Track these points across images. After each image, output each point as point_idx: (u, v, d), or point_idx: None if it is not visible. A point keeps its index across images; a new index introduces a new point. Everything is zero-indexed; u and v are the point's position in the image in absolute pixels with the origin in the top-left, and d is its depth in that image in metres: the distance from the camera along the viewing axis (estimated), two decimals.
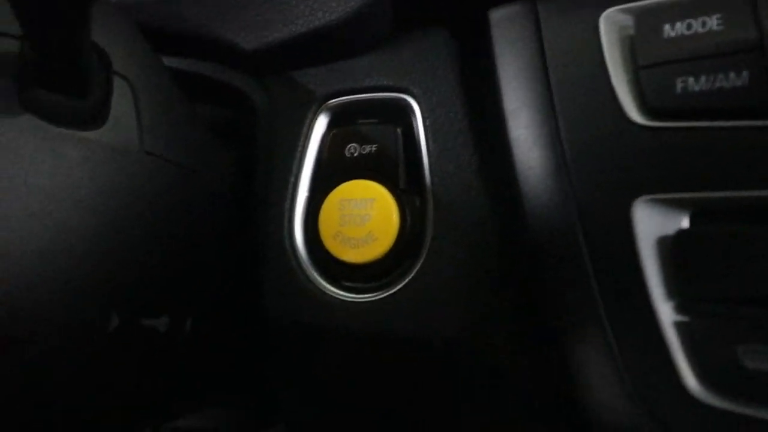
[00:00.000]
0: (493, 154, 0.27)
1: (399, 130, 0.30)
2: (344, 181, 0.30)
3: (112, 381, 0.28)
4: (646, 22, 0.23)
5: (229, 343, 0.35)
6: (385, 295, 0.29)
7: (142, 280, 0.28)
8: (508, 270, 0.27)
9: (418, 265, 0.29)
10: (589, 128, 0.24)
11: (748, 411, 0.20)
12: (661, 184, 0.22)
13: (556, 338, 0.24)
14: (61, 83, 0.25)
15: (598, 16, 0.25)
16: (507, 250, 0.27)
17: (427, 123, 0.29)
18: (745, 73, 0.21)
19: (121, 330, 0.27)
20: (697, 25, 0.23)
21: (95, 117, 0.27)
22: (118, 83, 0.28)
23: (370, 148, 0.30)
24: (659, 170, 0.22)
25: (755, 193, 0.21)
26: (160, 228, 0.29)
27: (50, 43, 0.24)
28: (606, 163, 0.23)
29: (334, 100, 0.32)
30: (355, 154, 0.31)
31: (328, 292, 0.30)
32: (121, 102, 0.28)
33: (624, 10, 0.25)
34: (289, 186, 0.32)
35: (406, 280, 0.29)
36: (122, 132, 0.27)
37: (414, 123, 0.30)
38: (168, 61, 0.35)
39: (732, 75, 0.21)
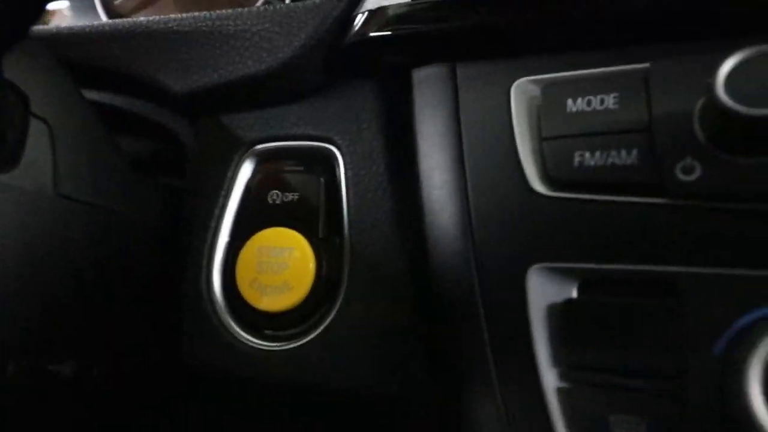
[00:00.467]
0: (407, 210, 0.28)
1: (322, 179, 0.31)
2: (265, 228, 0.30)
3: (13, 429, 0.27)
4: (552, 95, 0.25)
5: (144, 390, 0.34)
6: (300, 343, 0.29)
7: (46, 325, 0.28)
8: (417, 322, 0.27)
9: (333, 314, 0.29)
10: (495, 194, 0.24)
11: None
12: (554, 253, 0.23)
13: (455, 391, 0.24)
14: None
15: (511, 84, 0.26)
16: (417, 303, 0.27)
17: (349, 174, 0.30)
18: (634, 152, 0.22)
19: (21, 376, 0.27)
20: (596, 102, 0.24)
21: (9, 159, 0.26)
22: (35, 125, 0.27)
23: (292, 195, 0.31)
24: (554, 239, 0.23)
25: (639, 267, 0.22)
26: (69, 271, 0.29)
27: None
28: (507, 229, 0.24)
29: (260, 146, 0.32)
30: (278, 201, 0.31)
31: (243, 340, 0.30)
32: (37, 144, 0.27)
33: (533, 81, 0.26)
34: (210, 230, 0.32)
35: (321, 328, 0.29)
36: (36, 175, 0.27)
37: (337, 172, 0.31)
38: (98, 94, 0.35)
39: (623, 153, 0.23)
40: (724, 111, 0.19)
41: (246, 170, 0.32)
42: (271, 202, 0.31)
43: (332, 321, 0.29)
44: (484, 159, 0.25)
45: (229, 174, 0.32)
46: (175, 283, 0.32)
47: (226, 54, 0.31)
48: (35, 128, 0.27)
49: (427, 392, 0.27)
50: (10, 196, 0.26)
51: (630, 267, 0.22)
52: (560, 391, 0.22)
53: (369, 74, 0.31)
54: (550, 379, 0.22)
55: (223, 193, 0.32)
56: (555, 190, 0.24)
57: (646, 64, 0.23)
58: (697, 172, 0.21)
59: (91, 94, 0.34)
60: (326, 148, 0.31)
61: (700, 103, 0.21)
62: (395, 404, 0.28)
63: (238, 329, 0.30)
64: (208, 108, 0.33)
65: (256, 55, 0.31)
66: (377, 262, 0.29)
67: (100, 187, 0.30)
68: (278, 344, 0.30)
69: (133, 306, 0.32)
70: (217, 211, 0.32)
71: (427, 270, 0.26)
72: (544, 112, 0.24)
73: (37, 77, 0.28)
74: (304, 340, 0.29)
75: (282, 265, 0.30)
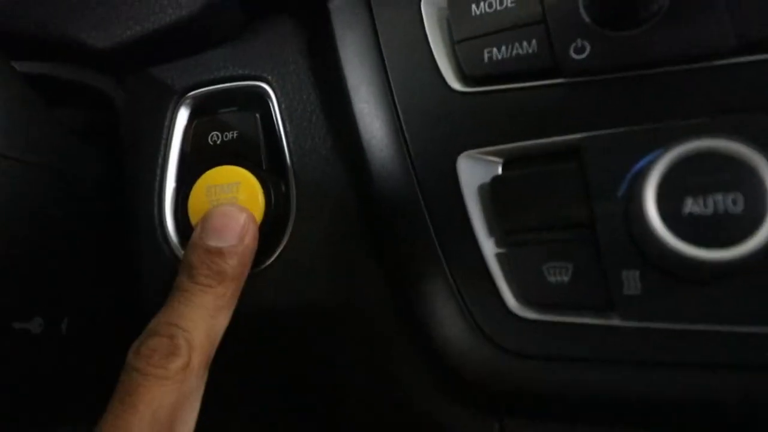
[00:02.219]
0: (342, 128, 0.30)
1: (258, 116, 0.32)
2: (209, 168, 0.32)
3: None
4: (457, 3, 0.27)
5: (112, 341, 0.35)
6: (257, 270, 0.31)
7: (7, 283, 0.28)
8: (367, 236, 0.30)
9: (286, 239, 0.31)
10: (418, 97, 0.27)
11: (555, 318, 0.24)
12: (477, 140, 0.26)
13: (408, 284, 0.27)
14: None
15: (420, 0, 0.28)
16: (364, 214, 0.30)
17: (283, 107, 0.32)
18: (534, 42, 0.25)
19: None
20: (496, 4, 0.27)
21: None
22: None
23: (231, 134, 0.32)
24: (475, 129, 0.26)
25: (549, 140, 0.25)
26: (17, 228, 0.29)
27: None
28: (433, 126, 0.27)
29: (193, 92, 0.33)
30: (218, 142, 0.32)
31: None
32: None
33: None
34: (156, 178, 0.33)
35: (276, 254, 0.31)
36: None
37: (271, 108, 0.32)
38: (19, 66, 0.35)
39: (524, 44, 0.26)
40: None
41: (182, 117, 0.33)
42: (212, 143, 0.32)
43: (286, 245, 0.31)
44: (405, 68, 0.28)
45: (167, 123, 0.33)
46: (129, 235, 0.33)
47: (145, 4, 0.32)
48: None
49: (384, 300, 0.30)
50: None
51: (542, 141, 0.25)
52: (499, 256, 0.25)
53: (288, 9, 0.32)
54: (488, 247, 0.25)
55: (162, 142, 0.33)
56: (471, 85, 0.27)
57: None
58: (587, 51, 0.24)
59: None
60: (257, 86, 0.33)
61: None
62: (356, 318, 0.30)
63: None
64: (135, 62, 0.34)
65: (175, 1, 0.32)
66: (320, 184, 0.31)
67: (39, 146, 0.30)
68: None
69: (88, 259, 0.33)
70: (160, 160, 0.33)
71: (366, 177, 0.28)
72: (453, 18, 0.27)
73: None
74: (261, 267, 0.31)
75: (232, 200, 0.31)
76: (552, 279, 0.23)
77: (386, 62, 0.28)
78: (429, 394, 0.28)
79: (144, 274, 0.33)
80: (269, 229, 0.31)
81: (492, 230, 0.25)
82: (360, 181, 0.29)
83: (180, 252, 0.32)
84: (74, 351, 0.32)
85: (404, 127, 0.27)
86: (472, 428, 0.26)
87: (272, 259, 0.31)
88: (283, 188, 0.32)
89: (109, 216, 0.34)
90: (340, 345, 0.31)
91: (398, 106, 0.27)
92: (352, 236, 0.30)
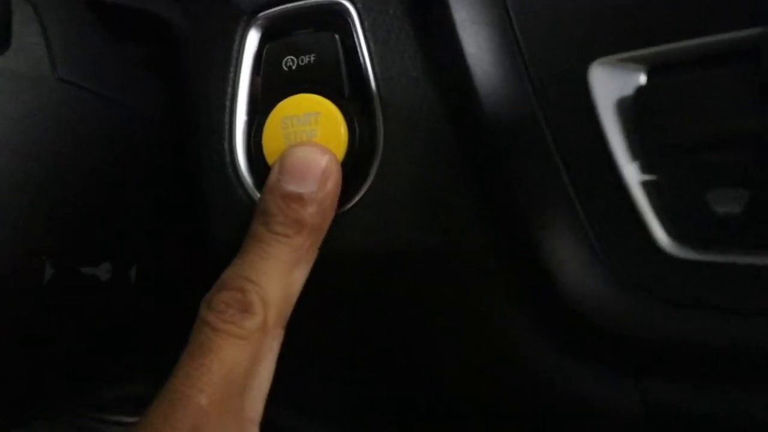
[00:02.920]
0: (437, 43, 0.26)
1: (337, 36, 0.28)
2: (284, 98, 0.28)
3: (51, 337, 0.26)
4: None
5: (182, 289, 0.33)
6: (341, 211, 0.27)
7: (74, 224, 0.26)
8: (468, 166, 0.26)
9: (372, 175, 0.27)
10: None
11: (721, 258, 0.19)
12: (615, 43, 0.21)
13: (524, 220, 0.23)
14: None
15: None
16: (464, 144, 0.26)
17: (366, 25, 0.28)
18: None
19: (57, 281, 0.25)
20: None
21: None
22: (19, 5, 0.25)
23: (308, 58, 0.28)
24: (612, 28, 0.21)
25: (705, 39, 0.20)
26: (87, 164, 0.26)
27: None
28: (557, 29, 0.22)
29: (264, 12, 0.29)
30: (293, 67, 0.29)
31: None
32: (25, 25, 0.25)
33: None
34: (226, 110, 0.29)
35: (362, 193, 0.27)
36: (30, 57, 0.25)
37: (352, 27, 0.28)
38: None
39: None
40: None
41: (252, 42, 0.30)
42: (286, 69, 0.29)
43: (373, 182, 0.27)
44: None
45: (235, 48, 0.29)
46: (198, 173, 0.30)
47: None
48: (20, 8, 0.24)
49: (488, 239, 0.26)
50: (5, 79, 0.23)
51: (707, 39, 0.20)
52: (645, 184, 0.20)
53: None
54: (632, 173, 0.20)
55: (231, 70, 0.29)
56: None
57: None
58: None
59: None
60: (336, 3, 0.28)
61: None
62: (455, 259, 0.27)
63: None
64: None
65: None
66: (411, 111, 0.27)
67: (101, 75, 0.27)
68: None
69: (160, 202, 0.30)
70: (229, 90, 0.29)
71: (471, 97, 0.24)
72: None
73: None
74: (345, 208, 0.27)
75: (310, 133, 0.28)
76: (719, 209, 0.19)
77: None
78: (545, 350, 0.24)
79: (215, 217, 0.30)
80: (353, 164, 0.27)
81: (636, 153, 0.21)
82: (461, 103, 0.25)
83: (255, 194, 0.29)
84: (143, 300, 0.30)
85: (518, 32, 0.23)
86: (603, 388, 0.22)
87: (356, 199, 0.27)
88: (368, 118, 0.28)
89: (178, 155, 0.31)
90: (435, 293, 0.28)
91: (510, 9, 0.23)
92: (449, 169, 0.26)
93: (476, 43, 0.24)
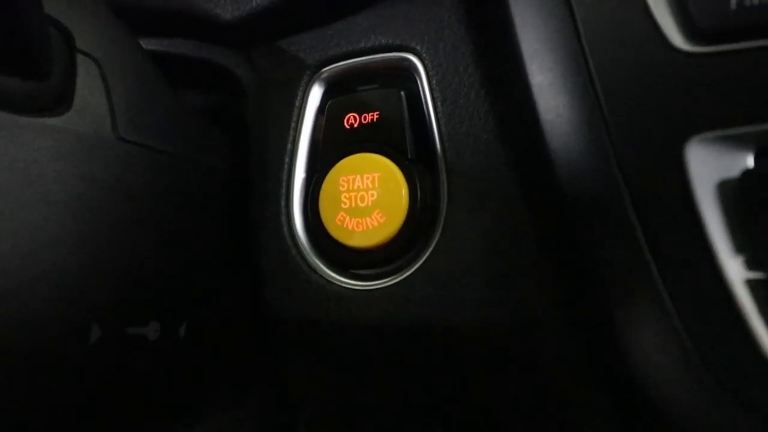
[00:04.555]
0: (512, 107, 0.24)
1: (403, 94, 0.27)
2: (344, 156, 0.27)
3: (98, 399, 0.25)
4: None
5: (231, 347, 0.32)
6: (399, 280, 0.26)
7: (125, 284, 0.25)
8: (539, 240, 0.23)
9: (434, 243, 0.25)
10: (625, 62, 0.20)
11: None
12: (717, 119, 0.18)
13: (604, 311, 0.20)
14: (13, 64, 0.22)
15: None
16: (536, 217, 0.23)
17: (434, 82, 0.26)
18: None
19: (103, 341, 0.24)
20: None
21: (58, 101, 0.24)
22: (83, 63, 0.25)
23: (371, 116, 0.27)
24: (714, 103, 0.18)
25: None
26: (142, 223, 0.26)
27: None
28: (648, 101, 0.19)
29: (328, 68, 0.28)
30: (355, 125, 0.27)
31: (334, 281, 0.27)
32: (87, 83, 0.25)
33: None
34: (284, 167, 0.28)
35: (421, 261, 0.25)
36: (91, 117, 0.24)
37: (419, 84, 0.27)
38: (144, 43, 0.32)
39: None
40: None
41: (315, 97, 0.29)
42: (348, 126, 0.27)
43: (434, 250, 0.25)
44: (605, 24, 0.21)
45: (297, 104, 0.29)
46: (253, 231, 0.29)
47: None
48: (84, 67, 0.24)
49: (559, 322, 0.23)
50: (67, 140, 0.23)
51: None
52: (750, 284, 0.17)
53: None
54: (735, 270, 0.18)
55: (292, 125, 0.29)
56: (704, 44, 0.19)
57: None
58: None
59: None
60: (404, 59, 0.27)
61: None
62: (519, 340, 0.24)
63: (328, 271, 0.27)
64: (264, 34, 0.30)
65: None
66: (479, 176, 0.25)
67: (162, 131, 0.27)
68: (375, 283, 0.26)
69: (212, 258, 0.29)
70: (289, 147, 0.28)
71: (546, 170, 0.22)
72: None
73: (80, 12, 0.25)
74: (404, 275, 0.26)
75: (370, 195, 0.26)
76: None
77: (577, 17, 0.21)
78: None
79: (268, 275, 0.28)
80: (414, 229, 0.26)
81: (740, 246, 0.18)
82: (535, 175, 0.23)
83: (309, 256, 0.28)
84: (192, 358, 0.29)
85: (604, 104, 0.20)
86: None
87: (417, 266, 0.25)
88: (432, 181, 0.26)
89: (234, 209, 0.31)
90: (500, 369, 0.25)
91: (594, 75, 0.21)
92: (518, 239, 0.24)
93: (555, 109, 0.21)
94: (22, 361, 0.21)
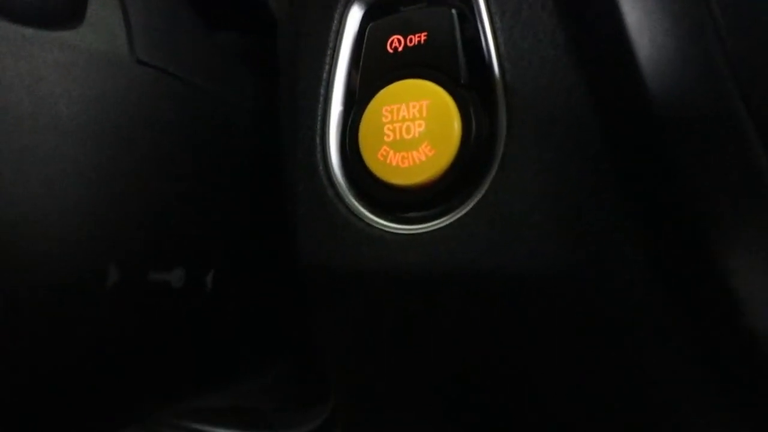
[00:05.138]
0: (587, 16, 0.20)
1: (454, 12, 0.23)
2: (388, 84, 0.24)
3: (116, 351, 0.23)
4: None
5: (262, 299, 0.29)
6: (450, 221, 0.23)
7: (146, 224, 0.23)
8: (619, 171, 0.20)
9: (491, 179, 0.22)
10: None
11: None
12: None
13: (709, 251, 0.17)
14: None
15: None
16: (617, 145, 0.20)
17: None
18: None
19: (122, 286, 0.22)
20: None
21: (68, 14, 0.21)
22: None
23: (418, 38, 0.24)
24: None
25: None
26: (164, 157, 0.23)
27: None
28: None
29: None
30: (400, 48, 0.24)
31: (376, 225, 0.24)
32: None
33: None
34: (319, 99, 0.25)
35: (477, 199, 0.22)
36: (105, 33, 0.22)
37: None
38: None
39: None
40: None
41: (354, 20, 0.25)
42: (391, 50, 0.24)
43: (492, 186, 0.22)
44: None
45: (334, 28, 0.25)
46: (285, 170, 0.26)
47: None
48: None
49: (646, 267, 0.20)
50: (78, 57, 0.20)
51: None
52: None
53: None
54: None
55: (328, 53, 0.25)
56: None
57: None
58: None
59: None
60: None
61: None
62: (597, 290, 0.21)
63: (368, 213, 0.24)
64: None
65: None
66: (544, 99, 0.21)
67: (184, 58, 0.24)
68: (423, 226, 0.23)
69: (241, 201, 0.26)
70: (324, 76, 0.25)
71: (635, 88, 0.18)
72: None
73: None
74: (456, 216, 0.23)
75: (417, 126, 0.23)
76: None
77: None
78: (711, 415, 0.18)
79: (302, 220, 0.26)
80: (469, 163, 0.22)
81: None
82: (618, 92, 0.19)
83: (347, 197, 0.25)
84: (220, 312, 0.27)
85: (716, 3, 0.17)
86: None
87: (471, 205, 0.22)
88: (489, 109, 0.23)
89: (265, 151, 0.28)
90: (570, 321, 0.22)
91: None
92: (593, 171, 0.20)
93: (643, 6, 0.18)
94: (28, 301, 0.19)
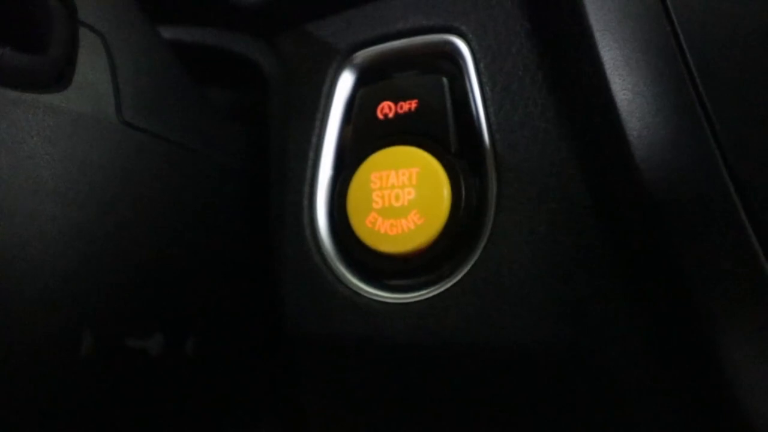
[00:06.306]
0: (577, 90, 0.20)
1: (445, 81, 0.23)
2: (378, 150, 0.24)
3: (86, 419, 0.22)
4: None
5: (244, 364, 0.28)
6: (439, 291, 0.22)
7: (125, 288, 0.22)
8: (609, 245, 0.20)
9: (480, 249, 0.22)
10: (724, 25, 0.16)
11: None
12: None
13: (703, 327, 0.16)
14: (10, 34, 0.20)
15: None
16: (606, 218, 0.20)
17: (482, 66, 0.23)
18: None
19: (97, 353, 0.21)
20: None
21: (57, 77, 0.21)
22: (86, 37, 0.22)
23: (408, 105, 0.24)
24: None
25: None
26: (147, 220, 0.23)
27: None
28: (761, 73, 0.16)
29: (360, 52, 0.25)
30: (390, 115, 0.24)
31: (363, 293, 0.23)
32: (90, 59, 0.22)
33: None
34: (308, 162, 0.25)
35: (466, 270, 0.22)
36: (93, 96, 0.21)
37: (464, 69, 0.23)
38: (163, 29, 0.30)
39: None
40: None
41: (345, 84, 0.26)
42: (382, 117, 0.24)
43: (481, 257, 0.22)
44: None
45: (324, 92, 0.25)
46: (271, 234, 0.26)
47: None
48: (87, 41, 0.22)
49: (632, 338, 0.19)
50: (64, 120, 0.20)
51: None
52: None
53: None
54: None
55: (318, 116, 0.25)
56: None
57: None
58: None
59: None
60: (446, 41, 0.24)
61: None
62: (579, 358, 0.20)
63: (355, 281, 0.24)
64: (289, 18, 0.27)
65: None
66: (534, 171, 0.21)
67: (172, 119, 0.24)
68: (411, 295, 0.23)
69: (225, 265, 0.26)
70: (314, 140, 0.25)
71: (625, 165, 0.18)
72: None
73: None
74: (445, 287, 0.22)
75: (407, 194, 0.23)
76: None
77: None
78: None
79: (288, 285, 0.25)
80: (458, 233, 0.22)
81: None
82: (607, 165, 0.19)
83: (333, 262, 0.24)
84: (199, 379, 0.26)
85: (698, 78, 0.17)
86: None
87: (461, 275, 0.22)
88: (478, 178, 0.22)
89: (252, 213, 0.28)
90: (557, 398, 0.21)
91: (685, 44, 0.17)
92: (583, 244, 0.20)
93: (635, 88, 0.18)
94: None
